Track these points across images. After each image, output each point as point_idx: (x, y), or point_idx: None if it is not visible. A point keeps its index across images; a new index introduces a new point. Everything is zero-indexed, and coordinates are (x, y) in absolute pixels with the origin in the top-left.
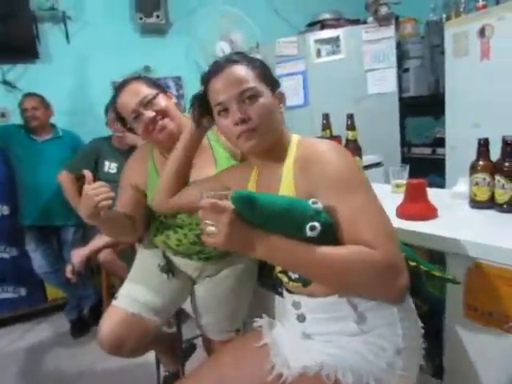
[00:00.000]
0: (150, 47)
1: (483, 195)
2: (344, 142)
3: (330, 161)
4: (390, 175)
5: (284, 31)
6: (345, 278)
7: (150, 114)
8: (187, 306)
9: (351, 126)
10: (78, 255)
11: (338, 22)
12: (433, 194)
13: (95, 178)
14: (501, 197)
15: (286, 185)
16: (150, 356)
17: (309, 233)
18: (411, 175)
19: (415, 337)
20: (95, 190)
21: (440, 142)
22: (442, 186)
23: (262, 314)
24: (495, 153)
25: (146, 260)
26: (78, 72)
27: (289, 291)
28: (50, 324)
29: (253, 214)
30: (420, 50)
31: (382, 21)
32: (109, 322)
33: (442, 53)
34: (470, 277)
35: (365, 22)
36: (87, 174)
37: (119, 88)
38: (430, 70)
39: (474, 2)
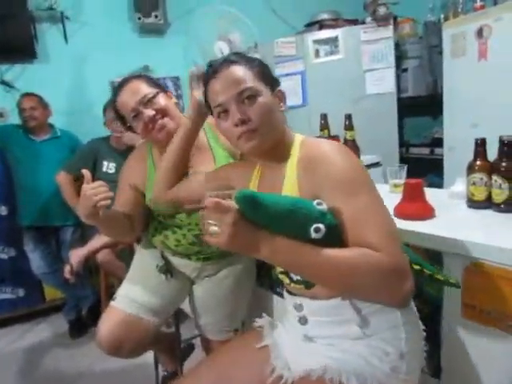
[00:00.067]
0: (149, 47)
1: (480, 195)
2: (342, 142)
3: (334, 161)
4: (388, 175)
5: (282, 31)
6: (349, 280)
7: (149, 112)
8: (186, 306)
9: (349, 126)
10: (76, 255)
11: (336, 22)
12: (430, 193)
13: (93, 178)
14: (498, 196)
15: (290, 185)
16: (149, 356)
17: (313, 234)
18: (409, 175)
19: (417, 340)
20: (94, 189)
21: (438, 142)
22: (440, 186)
23: (260, 313)
24: (493, 153)
25: (144, 260)
26: (76, 72)
27: (290, 293)
28: (48, 325)
29: (256, 215)
30: (418, 51)
31: (381, 21)
32: (107, 323)
33: (440, 53)
34: (468, 276)
35: (363, 23)
36: (86, 173)
37: (119, 86)
38: (428, 70)
39: (472, 3)
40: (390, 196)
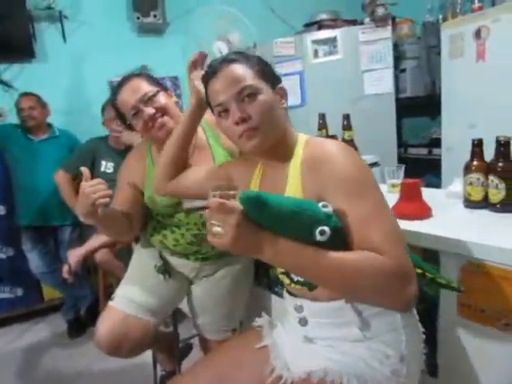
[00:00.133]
0: (147, 47)
1: (477, 195)
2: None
3: (340, 162)
4: (386, 175)
5: (281, 31)
6: (352, 283)
7: (149, 110)
8: (184, 306)
9: (347, 126)
10: (74, 255)
11: (335, 22)
12: (428, 193)
13: (92, 178)
14: (494, 196)
15: (294, 185)
16: (147, 356)
17: (318, 237)
18: (408, 175)
19: (417, 343)
20: (93, 187)
21: (436, 143)
22: (438, 186)
23: (258, 313)
24: (491, 153)
25: (142, 260)
26: (75, 71)
27: (290, 293)
28: (46, 324)
29: (261, 216)
30: (416, 51)
31: (379, 21)
32: (106, 324)
33: (439, 54)
34: (464, 275)
35: (362, 23)
36: (84, 171)
37: (120, 84)
38: (426, 70)
39: (470, 4)
40: (388, 196)
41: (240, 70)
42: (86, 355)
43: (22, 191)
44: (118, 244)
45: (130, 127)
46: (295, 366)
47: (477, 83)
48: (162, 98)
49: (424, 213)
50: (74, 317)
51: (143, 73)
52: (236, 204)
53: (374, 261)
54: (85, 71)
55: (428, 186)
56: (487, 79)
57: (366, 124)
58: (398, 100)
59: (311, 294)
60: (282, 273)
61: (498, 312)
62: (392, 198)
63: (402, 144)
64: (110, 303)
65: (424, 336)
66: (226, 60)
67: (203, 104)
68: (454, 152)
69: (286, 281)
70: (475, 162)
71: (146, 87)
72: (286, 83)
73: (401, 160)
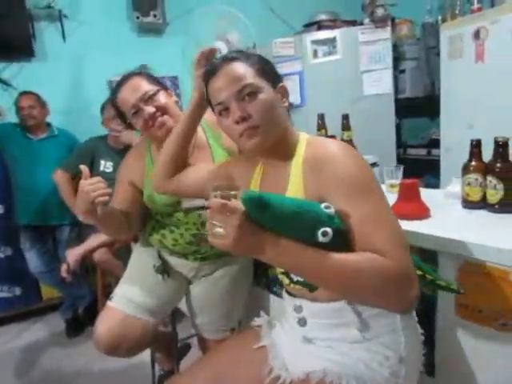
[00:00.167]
0: (147, 46)
1: (475, 195)
2: None
3: (342, 162)
4: (384, 175)
5: (281, 32)
6: (353, 285)
7: (150, 109)
8: (183, 306)
9: (346, 126)
10: (73, 254)
11: (334, 22)
12: (426, 194)
13: (91, 177)
14: (492, 197)
15: (295, 184)
16: (146, 355)
17: (321, 238)
18: (407, 176)
19: (416, 344)
20: (92, 185)
21: (435, 143)
22: (436, 186)
23: (257, 313)
24: (490, 154)
25: (141, 260)
26: (74, 71)
27: (289, 293)
28: (45, 324)
29: (263, 217)
30: (416, 52)
31: (379, 22)
32: (105, 324)
33: (438, 54)
34: (462, 275)
35: (361, 24)
36: (84, 168)
37: (120, 83)
38: (425, 71)
39: (469, 5)
40: (387, 196)
41: (240, 68)
42: (85, 354)
43: (20, 190)
44: (116, 243)
45: (130, 126)
46: (294, 366)
47: (476, 84)
48: (162, 97)
49: (422, 213)
50: (72, 316)
51: (143, 71)
52: (238, 205)
53: (374, 262)
54: (84, 71)
55: (427, 186)
56: (486, 80)
57: (365, 124)
58: (397, 100)
59: (311, 294)
60: (282, 273)
61: (495, 312)
62: (390, 198)
63: (401, 144)
64: (109, 303)
65: (423, 337)
66: (227, 58)
67: (204, 102)
68: (452, 152)
69: (286, 281)
70: (473, 163)
71: (147, 86)
72: (285, 83)
73: (400, 160)
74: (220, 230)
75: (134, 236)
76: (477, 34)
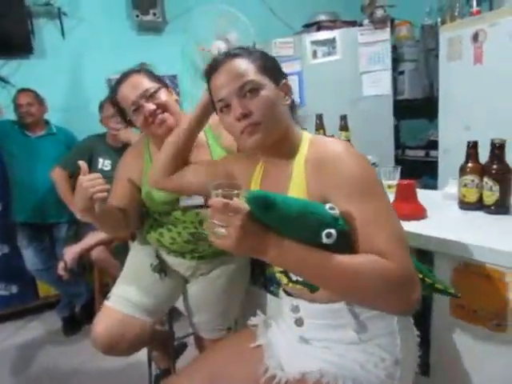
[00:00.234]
0: (147, 45)
1: (472, 197)
2: None
3: (345, 162)
4: (382, 176)
5: (281, 32)
6: (353, 286)
7: (150, 106)
8: (180, 304)
9: (344, 127)
10: (70, 252)
11: (334, 23)
12: (424, 195)
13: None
14: (488, 198)
15: (298, 183)
16: (142, 354)
17: (325, 239)
18: (405, 177)
19: (412, 346)
20: (91, 181)
21: (434, 145)
22: (434, 187)
23: (253, 312)
24: (487, 155)
25: (138, 259)
26: (73, 68)
27: (287, 293)
28: (41, 322)
29: (267, 217)
30: (415, 53)
31: (378, 23)
32: (103, 324)
33: (437, 56)
34: (457, 276)
35: (361, 25)
36: (83, 165)
37: (120, 80)
38: (424, 73)
39: (469, 8)
40: None
41: (242, 64)
42: (81, 353)
43: (18, 188)
44: (114, 242)
45: (130, 123)
46: (290, 366)
47: (474, 86)
48: (163, 95)
49: (419, 213)
50: (69, 314)
51: (143, 69)
52: (242, 204)
53: (375, 263)
54: (83, 68)
55: (425, 187)
56: (484, 82)
57: (363, 125)
58: (396, 102)
59: (310, 295)
60: (280, 272)
61: (489, 312)
62: None
63: (399, 146)
64: (106, 303)
65: (419, 339)
66: (229, 54)
67: (210, 107)
68: (450, 154)
69: (284, 280)
70: (470, 164)
71: (148, 83)
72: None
73: (398, 161)
74: (222, 230)
75: (131, 234)
76: (475, 37)
